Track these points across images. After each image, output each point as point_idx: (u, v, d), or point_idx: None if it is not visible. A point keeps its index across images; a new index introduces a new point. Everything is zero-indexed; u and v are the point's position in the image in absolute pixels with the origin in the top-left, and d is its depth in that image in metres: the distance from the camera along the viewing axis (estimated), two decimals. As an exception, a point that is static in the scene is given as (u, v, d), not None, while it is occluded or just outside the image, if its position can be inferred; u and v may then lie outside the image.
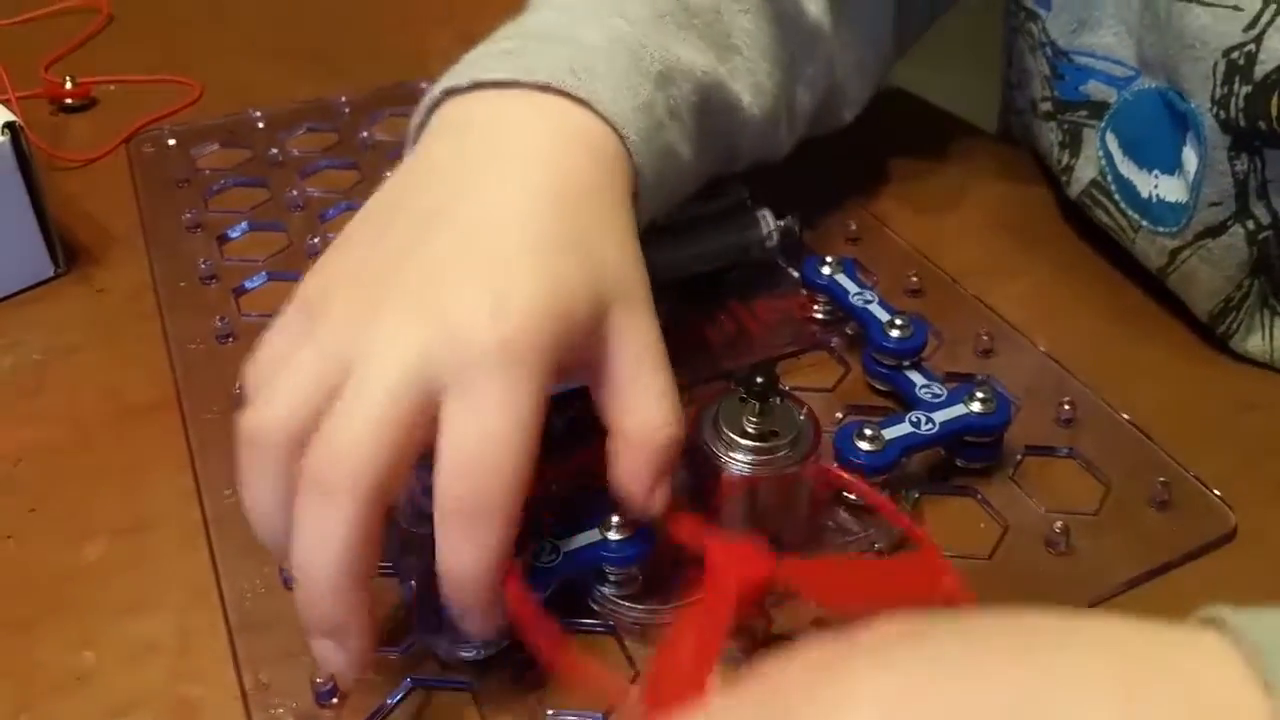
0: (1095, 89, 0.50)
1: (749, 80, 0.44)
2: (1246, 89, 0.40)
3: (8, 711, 0.33)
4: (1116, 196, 0.49)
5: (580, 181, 0.35)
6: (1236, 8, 0.40)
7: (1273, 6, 0.39)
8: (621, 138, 0.37)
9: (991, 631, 0.22)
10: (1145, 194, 0.47)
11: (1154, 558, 0.37)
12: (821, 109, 0.51)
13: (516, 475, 0.29)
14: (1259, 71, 0.40)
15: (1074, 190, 0.52)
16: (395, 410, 0.29)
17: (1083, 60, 0.51)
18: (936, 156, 0.61)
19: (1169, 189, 0.46)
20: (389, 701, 0.33)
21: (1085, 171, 0.51)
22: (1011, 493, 0.40)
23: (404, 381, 0.29)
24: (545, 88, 0.36)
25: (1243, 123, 0.41)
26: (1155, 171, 0.47)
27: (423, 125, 0.39)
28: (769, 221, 0.48)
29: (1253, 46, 0.40)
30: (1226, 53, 0.41)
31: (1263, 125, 0.41)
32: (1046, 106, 0.54)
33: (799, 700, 0.21)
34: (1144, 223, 0.47)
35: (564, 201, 0.33)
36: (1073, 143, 0.52)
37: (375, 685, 0.33)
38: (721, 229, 0.48)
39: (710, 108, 0.43)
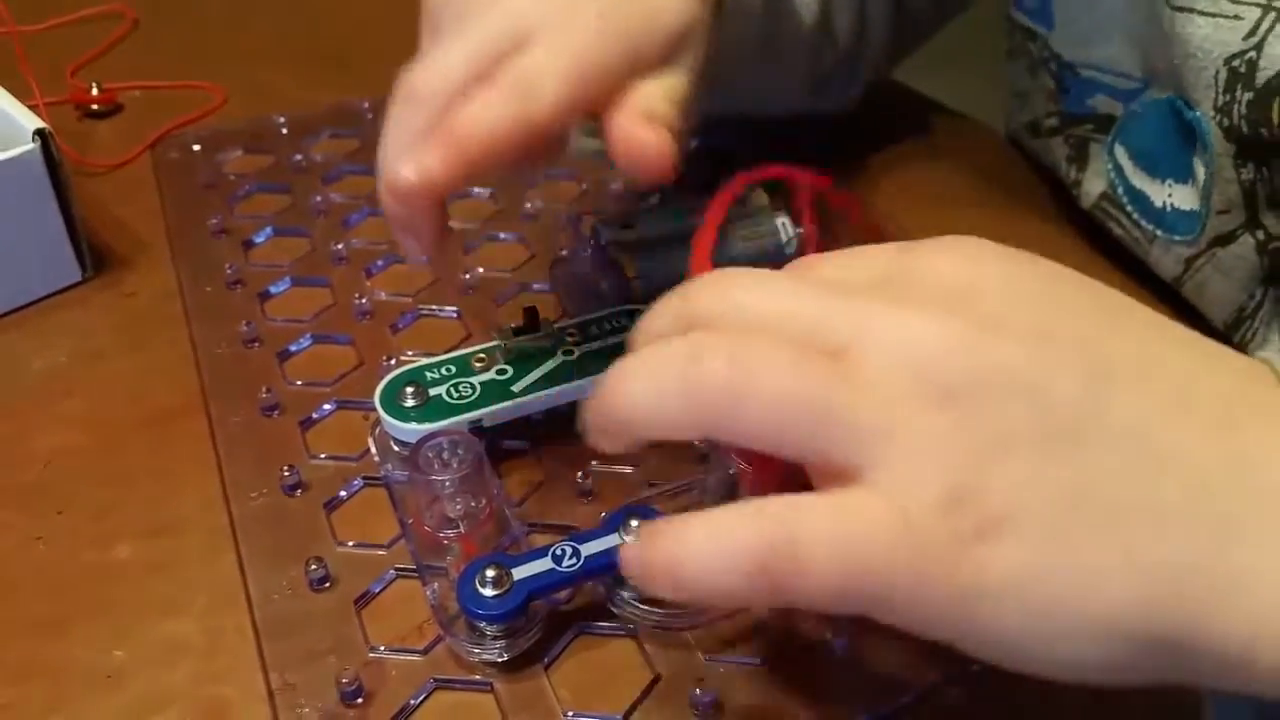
0: (1101, 102, 0.51)
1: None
2: (1249, 95, 0.41)
3: (41, 709, 0.33)
4: (1129, 208, 0.49)
5: None
6: (1237, 16, 0.41)
7: (1272, 14, 0.40)
8: None
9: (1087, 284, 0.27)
10: (1159, 204, 0.47)
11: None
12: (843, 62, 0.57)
13: (556, 80, 0.34)
14: (1261, 78, 0.40)
15: (1085, 203, 0.52)
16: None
17: (1088, 73, 0.51)
18: (954, 164, 0.61)
19: (1183, 197, 0.46)
20: (412, 701, 0.33)
21: (1094, 185, 0.51)
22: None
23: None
24: None
25: (1245, 129, 0.41)
26: (1169, 181, 0.47)
27: None
28: (787, 229, 0.49)
29: (1254, 54, 0.40)
30: (1228, 61, 0.41)
31: (1265, 132, 0.41)
32: (1052, 122, 0.54)
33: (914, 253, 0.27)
34: (1159, 232, 0.48)
35: None
36: (1080, 157, 0.52)
37: (399, 685, 0.33)
38: (740, 236, 0.48)
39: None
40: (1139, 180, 0.48)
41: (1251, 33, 0.40)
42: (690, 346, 0.25)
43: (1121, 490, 0.22)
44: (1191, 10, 0.42)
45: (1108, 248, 0.52)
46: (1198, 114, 0.43)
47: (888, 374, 0.24)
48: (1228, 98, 0.42)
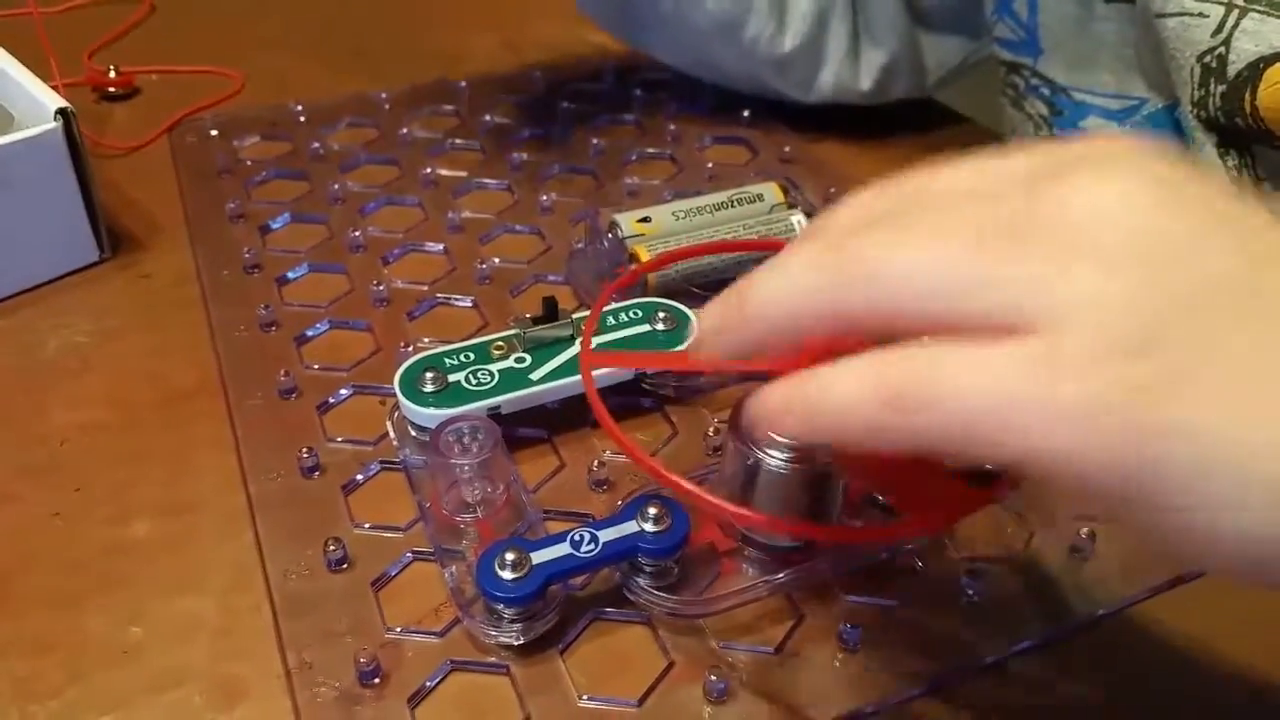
0: (1094, 124, 0.53)
1: None
2: (1221, 88, 0.43)
3: (59, 682, 0.34)
4: None
5: None
6: (1202, 14, 0.43)
7: (1235, 11, 0.42)
8: None
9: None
10: None
11: (1174, 567, 0.37)
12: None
13: None
14: (1231, 71, 0.43)
15: None
16: None
17: (1081, 96, 0.53)
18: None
19: None
20: (429, 683, 0.33)
21: None
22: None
23: None
24: None
25: (1222, 120, 0.44)
26: None
27: None
28: (803, 226, 0.49)
29: (1223, 49, 0.43)
30: (1200, 57, 0.44)
31: (1239, 121, 0.43)
32: None
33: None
34: None
35: None
36: None
37: (415, 666, 0.34)
38: (756, 232, 0.49)
39: None
40: None
41: (1219, 29, 0.43)
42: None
43: None
44: (1164, 15, 0.45)
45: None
46: (1179, 110, 0.46)
47: (1054, 231, 0.23)
48: (1202, 92, 0.44)
